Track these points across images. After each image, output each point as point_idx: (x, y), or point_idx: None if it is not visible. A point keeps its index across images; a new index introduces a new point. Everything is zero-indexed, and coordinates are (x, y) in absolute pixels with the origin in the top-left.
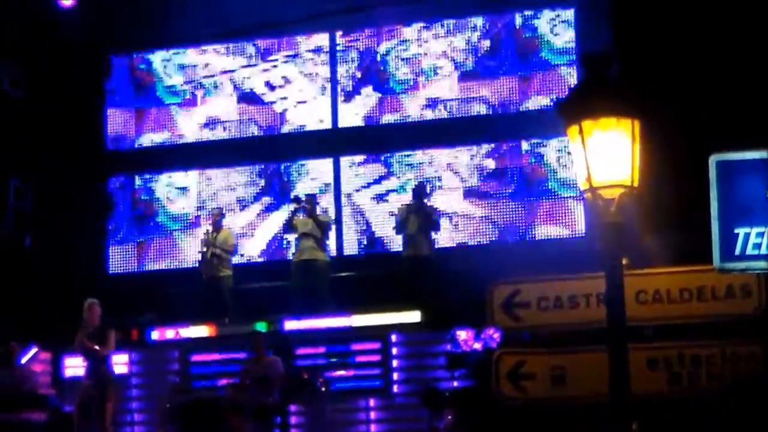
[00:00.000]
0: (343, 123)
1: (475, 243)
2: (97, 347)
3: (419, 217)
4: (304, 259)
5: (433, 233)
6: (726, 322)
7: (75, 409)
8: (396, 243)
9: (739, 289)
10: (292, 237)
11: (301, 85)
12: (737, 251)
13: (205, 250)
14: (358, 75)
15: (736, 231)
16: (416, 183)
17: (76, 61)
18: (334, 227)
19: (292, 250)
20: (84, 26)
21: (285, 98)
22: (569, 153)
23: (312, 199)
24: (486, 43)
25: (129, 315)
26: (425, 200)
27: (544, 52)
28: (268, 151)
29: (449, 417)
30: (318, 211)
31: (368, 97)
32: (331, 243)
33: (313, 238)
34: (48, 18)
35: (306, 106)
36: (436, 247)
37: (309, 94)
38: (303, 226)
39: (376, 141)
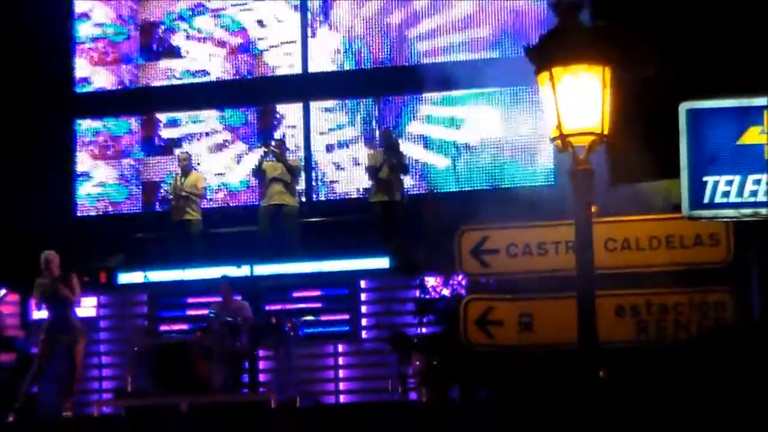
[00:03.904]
0: (313, 67)
1: (445, 190)
2: (68, 294)
3: (390, 161)
4: (273, 204)
5: (403, 177)
6: (694, 271)
7: (38, 353)
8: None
9: (708, 237)
10: (258, 180)
11: (272, 29)
12: (706, 199)
13: (172, 195)
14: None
15: (705, 179)
16: (384, 128)
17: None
18: (302, 170)
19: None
20: None
21: (257, 41)
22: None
23: (281, 143)
24: None
25: (97, 258)
26: (394, 145)
27: None
28: (239, 95)
29: (417, 362)
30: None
31: (336, 41)
32: (301, 188)
33: (283, 182)
34: None
35: (277, 50)
36: (406, 193)
37: (280, 37)
38: (272, 171)
39: (346, 86)
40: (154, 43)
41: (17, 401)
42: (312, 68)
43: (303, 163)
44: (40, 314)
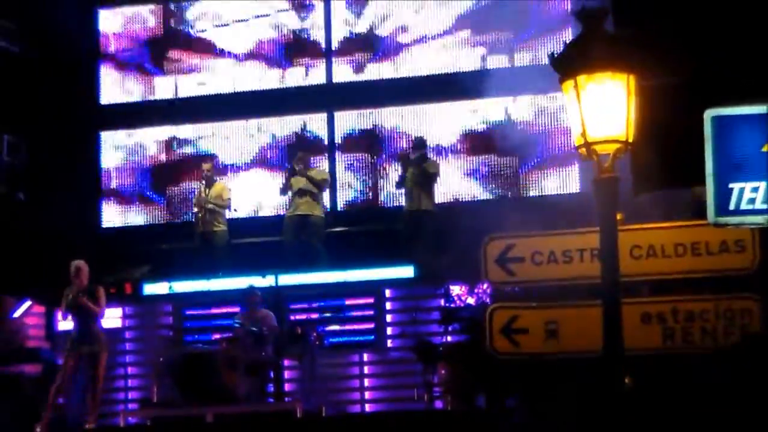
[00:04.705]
0: (337, 78)
1: (470, 199)
2: (92, 306)
3: (418, 171)
4: (298, 214)
5: (433, 187)
6: (720, 278)
7: (63, 364)
8: (389, 198)
9: (734, 244)
10: (286, 196)
11: (294, 40)
12: (732, 206)
13: (196, 210)
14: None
15: (730, 186)
16: (415, 137)
17: (69, 14)
18: (329, 182)
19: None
20: None
21: (281, 52)
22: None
23: (305, 155)
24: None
25: (122, 269)
26: (424, 154)
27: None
28: (264, 106)
29: (443, 371)
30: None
31: (363, 52)
32: (325, 198)
33: (309, 193)
34: None
35: (302, 60)
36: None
37: (303, 48)
38: (297, 182)
39: (372, 96)
40: (175, 53)
41: (46, 413)
42: (336, 78)
43: (329, 174)
44: (65, 325)
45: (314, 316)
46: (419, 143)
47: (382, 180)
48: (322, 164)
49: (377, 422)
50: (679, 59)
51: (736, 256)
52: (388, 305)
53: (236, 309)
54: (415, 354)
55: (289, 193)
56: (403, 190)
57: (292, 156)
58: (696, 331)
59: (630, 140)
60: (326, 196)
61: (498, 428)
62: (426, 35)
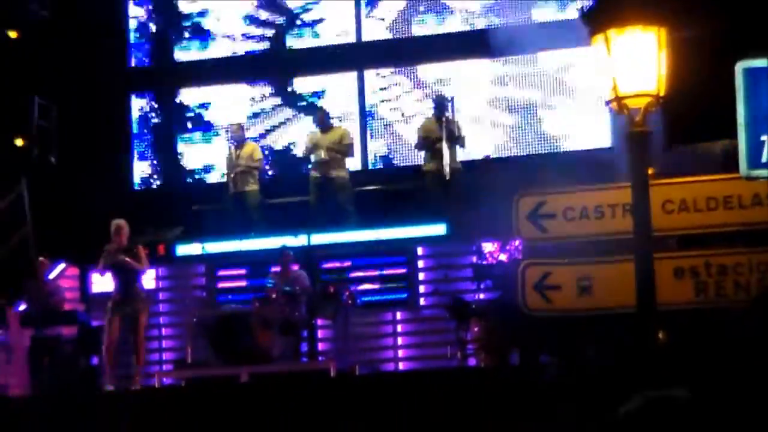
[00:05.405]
0: (367, 36)
1: (501, 155)
2: (135, 264)
3: (444, 130)
4: (322, 175)
5: (458, 146)
6: (753, 231)
7: (107, 325)
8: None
9: (766, 197)
10: (311, 153)
11: None
12: (764, 159)
13: (228, 171)
14: None
15: (762, 138)
16: (436, 96)
17: None
18: (357, 141)
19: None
20: None
21: (308, 10)
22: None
23: (325, 113)
24: None
25: (154, 231)
26: (447, 113)
27: None
28: (289, 66)
29: (476, 328)
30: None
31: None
32: (356, 157)
33: (331, 153)
34: None
35: (329, 18)
36: (462, 159)
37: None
38: (319, 144)
39: (402, 53)
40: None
41: (110, 372)
42: (365, 37)
43: (351, 135)
44: (100, 287)
45: (347, 275)
46: (441, 101)
47: (412, 137)
48: (350, 123)
49: (411, 380)
50: (711, 11)
51: None
52: (421, 263)
53: (269, 269)
54: (448, 311)
55: (313, 152)
56: (427, 150)
57: (314, 112)
58: (729, 284)
59: (661, 94)
60: (357, 154)
61: (532, 385)
62: None
